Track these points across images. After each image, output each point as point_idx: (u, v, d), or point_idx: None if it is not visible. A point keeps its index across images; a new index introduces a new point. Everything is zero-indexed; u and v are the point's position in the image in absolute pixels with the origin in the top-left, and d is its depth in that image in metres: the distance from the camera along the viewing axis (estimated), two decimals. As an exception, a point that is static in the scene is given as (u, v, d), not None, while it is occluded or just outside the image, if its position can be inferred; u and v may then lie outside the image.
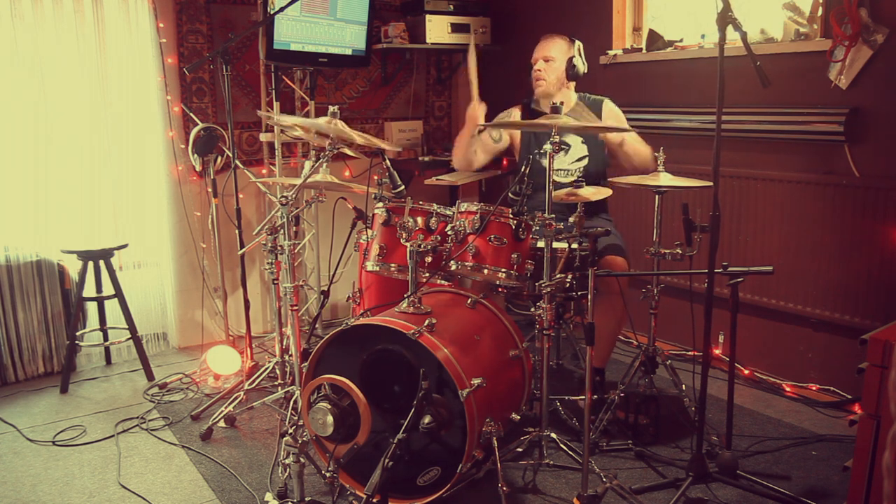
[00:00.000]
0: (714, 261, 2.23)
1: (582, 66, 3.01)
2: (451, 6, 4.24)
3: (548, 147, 2.37)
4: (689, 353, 3.51)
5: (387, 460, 1.91)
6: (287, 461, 2.05)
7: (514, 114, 3.16)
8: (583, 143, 3.05)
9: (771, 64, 2.82)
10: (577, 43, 3.02)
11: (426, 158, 4.26)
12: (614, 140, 2.94)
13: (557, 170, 3.04)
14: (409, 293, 2.42)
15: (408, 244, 2.43)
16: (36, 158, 3.40)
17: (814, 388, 3.13)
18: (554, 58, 3.00)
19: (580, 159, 3.05)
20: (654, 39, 3.63)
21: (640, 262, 3.66)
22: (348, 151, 2.95)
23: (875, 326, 2.40)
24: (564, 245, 2.51)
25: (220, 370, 3.36)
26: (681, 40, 3.57)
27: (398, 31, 4.09)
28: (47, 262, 3.50)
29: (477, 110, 2.97)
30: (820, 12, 2.98)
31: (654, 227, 2.70)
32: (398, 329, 2.20)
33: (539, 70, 3.02)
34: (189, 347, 3.91)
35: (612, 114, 3.08)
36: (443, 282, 2.74)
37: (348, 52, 3.86)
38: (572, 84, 3.08)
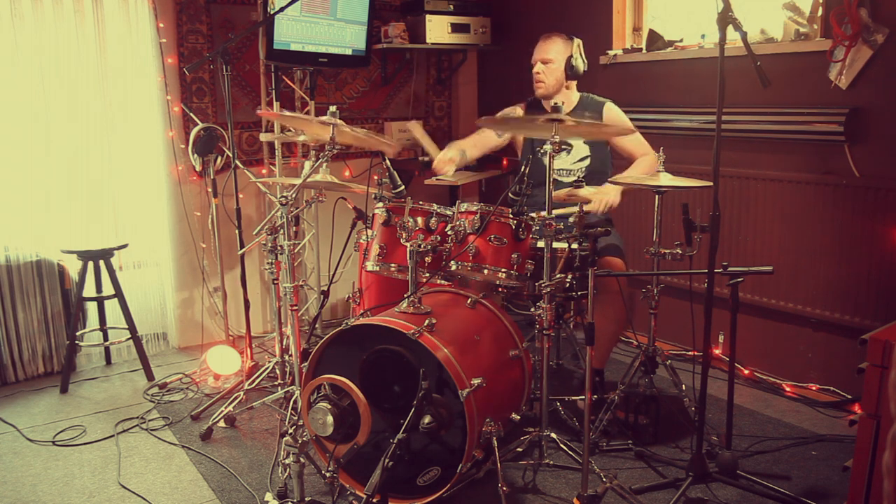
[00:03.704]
0: (714, 261, 2.23)
1: (582, 64, 3.00)
2: (451, 6, 4.23)
3: (547, 147, 2.36)
4: (689, 353, 3.51)
5: (387, 460, 1.91)
6: (287, 461, 2.04)
7: (518, 111, 3.14)
8: (585, 143, 3.05)
9: (771, 64, 2.82)
10: (577, 40, 3.00)
11: (426, 158, 4.23)
12: (621, 147, 3.04)
13: (559, 169, 3.04)
14: (409, 293, 2.42)
15: (408, 244, 2.43)
16: (36, 158, 3.40)
17: (814, 388, 3.13)
18: (552, 59, 2.98)
19: (582, 159, 3.05)
20: (654, 39, 3.63)
21: (640, 262, 3.67)
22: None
23: (875, 326, 2.40)
24: (564, 245, 2.50)
25: (220, 370, 3.36)
26: (681, 40, 3.57)
27: (398, 31, 4.09)
28: (47, 262, 3.50)
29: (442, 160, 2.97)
30: (820, 12, 2.98)
31: (654, 227, 2.70)
32: (398, 329, 2.20)
33: (538, 73, 3.01)
34: (189, 347, 3.91)
35: (611, 116, 3.08)
36: (443, 282, 2.74)
37: (348, 52, 3.86)
38: (573, 83, 3.07)
